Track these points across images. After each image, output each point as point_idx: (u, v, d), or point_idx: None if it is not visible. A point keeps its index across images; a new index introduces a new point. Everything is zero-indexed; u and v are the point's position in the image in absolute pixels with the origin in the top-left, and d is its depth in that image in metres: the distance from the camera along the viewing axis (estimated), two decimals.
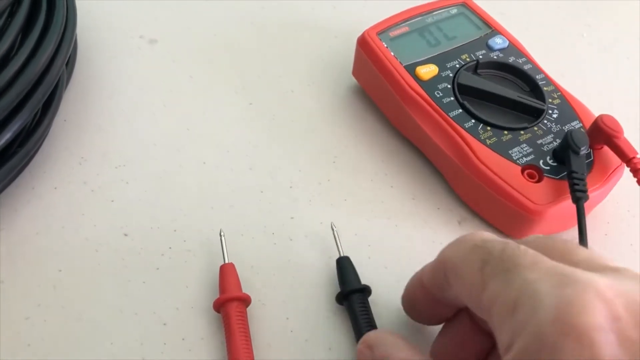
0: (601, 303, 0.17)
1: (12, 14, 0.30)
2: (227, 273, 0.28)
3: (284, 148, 0.35)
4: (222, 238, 0.29)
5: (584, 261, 0.20)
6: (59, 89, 0.33)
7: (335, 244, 0.29)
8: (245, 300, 0.27)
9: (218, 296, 0.27)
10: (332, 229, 0.30)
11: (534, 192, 0.29)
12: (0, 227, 0.30)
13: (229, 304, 0.27)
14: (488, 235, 0.22)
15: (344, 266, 0.28)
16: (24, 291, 0.28)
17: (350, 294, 0.27)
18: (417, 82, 0.33)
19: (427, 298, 0.25)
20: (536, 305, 0.18)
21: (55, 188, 0.32)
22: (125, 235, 0.30)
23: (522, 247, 0.20)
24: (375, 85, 0.35)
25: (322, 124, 0.36)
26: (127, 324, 0.27)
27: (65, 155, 0.33)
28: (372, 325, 0.27)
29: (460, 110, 0.32)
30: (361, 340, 0.25)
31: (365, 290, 0.28)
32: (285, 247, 0.30)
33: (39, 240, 0.30)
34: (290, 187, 0.33)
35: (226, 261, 0.28)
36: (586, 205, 0.29)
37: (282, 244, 0.31)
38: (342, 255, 0.29)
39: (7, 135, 0.29)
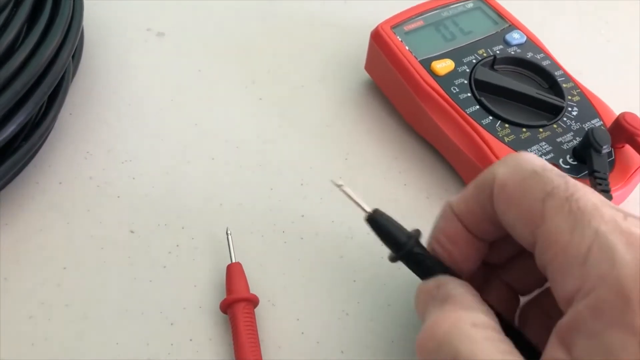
0: None
1: (17, 4, 0.30)
2: (234, 273, 0.27)
3: (294, 144, 0.34)
4: (229, 237, 0.28)
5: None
6: (64, 81, 0.32)
7: (355, 201, 0.25)
8: (253, 301, 0.26)
9: (225, 297, 0.26)
10: (343, 189, 0.25)
11: None
12: (4, 222, 0.29)
13: (236, 305, 0.26)
14: (544, 162, 0.21)
15: (382, 222, 0.24)
16: (28, 289, 0.27)
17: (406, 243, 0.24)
18: (433, 78, 0.32)
19: (460, 232, 0.23)
20: (615, 260, 0.18)
21: (60, 183, 0.31)
22: (132, 232, 0.29)
23: (582, 188, 0.20)
24: (389, 80, 0.34)
25: (333, 120, 0.35)
26: (134, 324, 0.27)
27: (71, 150, 0.32)
28: (442, 267, 0.23)
29: (478, 107, 0.31)
30: (431, 280, 0.23)
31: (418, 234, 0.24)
32: (295, 246, 0.29)
33: (44, 236, 0.29)
34: (301, 184, 0.32)
35: (233, 260, 0.28)
36: None
37: (293, 242, 0.30)
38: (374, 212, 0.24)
39: (12, 127, 0.28)
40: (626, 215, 0.20)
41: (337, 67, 0.38)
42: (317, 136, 0.34)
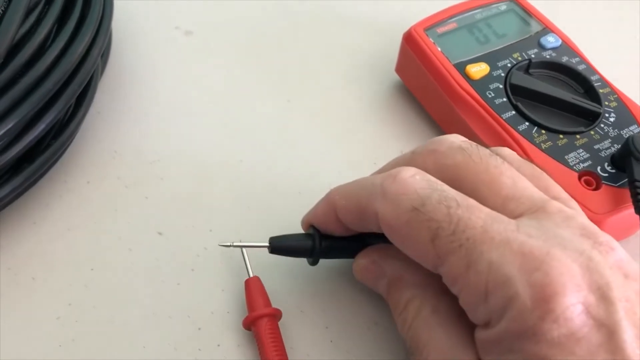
0: (568, 281, 0.18)
1: (48, 3, 0.29)
2: (253, 289, 0.26)
3: (322, 148, 0.33)
4: (244, 251, 0.27)
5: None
6: (94, 80, 0.32)
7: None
8: (276, 316, 0.26)
9: (247, 314, 0.26)
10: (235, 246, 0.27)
11: (592, 201, 0.27)
12: (32, 221, 0.29)
13: (259, 321, 0.25)
14: (422, 186, 0.21)
15: (283, 244, 0.26)
16: (56, 289, 0.27)
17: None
18: (468, 82, 0.31)
19: (346, 230, 0.25)
20: (511, 295, 0.19)
21: (88, 182, 0.31)
22: (160, 234, 0.29)
23: (467, 211, 0.20)
24: (421, 83, 0.33)
25: (362, 124, 0.35)
26: (161, 327, 0.26)
27: (99, 149, 0.32)
28: (365, 240, 0.26)
29: (514, 112, 0.30)
30: (362, 255, 0.25)
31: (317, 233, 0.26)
32: None
33: (71, 236, 0.29)
34: (329, 188, 0.31)
35: (250, 275, 0.27)
36: None
37: None
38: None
39: (42, 126, 0.28)
40: (520, 220, 0.20)
41: (367, 68, 0.37)
42: (345, 140, 0.34)
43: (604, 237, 0.20)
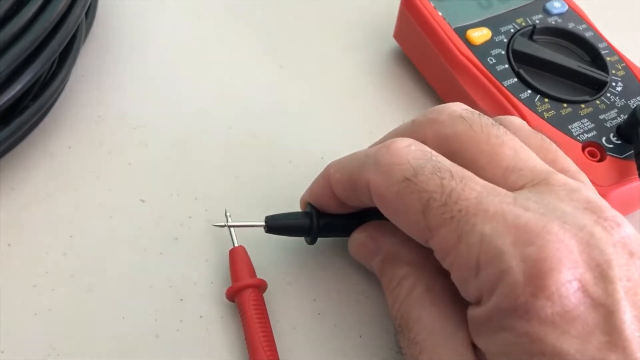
0: (564, 256, 0.17)
1: None
2: (237, 258, 0.25)
3: (316, 116, 0.32)
4: (229, 219, 0.26)
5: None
6: (76, 40, 0.31)
7: None
8: (260, 286, 0.25)
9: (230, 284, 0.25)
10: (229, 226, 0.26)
11: (596, 172, 0.26)
12: (10, 186, 0.28)
13: (242, 292, 0.24)
14: (416, 155, 0.20)
15: (279, 223, 0.25)
16: (32, 256, 0.26)
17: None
18: (468, 47, 0.30)
19: (342, 206, 0.24)
20: (503, 269, 0.18)
21: (70, 147, 0.29)
22: (143, 201, 0.28)
23: (460, 182, 0.19)
24: (419, 49, 0.32)
25: (358, 92, 0.33)
26: (141, 298, 0.25)
27: (81, 113, 0.31)
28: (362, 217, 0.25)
29: (516, 80, 0.29)
30: (358, 230, 0.24)
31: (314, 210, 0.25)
32: None
33: (50, 202, 0.27)
34: (322, 158, 0.30)
35: (235, 245, 0.25)
36: None
37: None
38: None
39: (19, 86, 0.26)
40: (519, 192, 0.19)
41: (364, 34, 0.36)
42: (340, 108, 0.32)
43: (611, 212, 0.19)
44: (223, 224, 0.26)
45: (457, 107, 0.22)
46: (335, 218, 0.25)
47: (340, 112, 0.32)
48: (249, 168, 0.29)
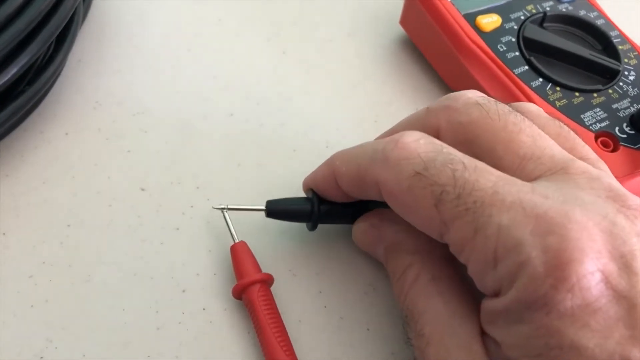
0: (587, 246, 0.17)
1: None
2: (239, 255, 0.24)
3: (320, 103, 0.31)
4: (226, 214, 0.25)
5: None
6: (73, 24, 0.29)
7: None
8: (267, 281, 0.24)
9: (235, 282, 0.24)
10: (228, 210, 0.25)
11: (609, 163, 0.25)
12: (4, 173, 0.27)
13: (250, 289, 0.23)
14: (426, 148, 0.19)
15: (280, 208, 0.25)
16: (28, 246, 0.25)
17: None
18: (478, 34, 0.29)
19: (345, 197, 0.23)
20: (522, 260, 0.17)
21: (67, 134, 0.29)
22: (143, 189, 0.27)
23: (474, 173, 0.18)
24: (427, 35, 0.31)
25: (363, 79, 0.32)
26: (142, 289, 0.24)
27: (79, 99, 0.30)
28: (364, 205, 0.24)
29: (527, 67, 0.28)
30: (361, 219, 0.24)
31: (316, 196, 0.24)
32: None
33: (47, 190, 0.27)
34: (327, 147, 0.30)
35: (235, 240, 0.24)
36: None
37: None
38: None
39: (14, 70, 0.25)
40: (537, 181, 0.18)
41: (369, 20, 0.35)
42: (344, 96, 0.32)
43: (634, 200, 0.18)
44: (223, 206, 0.25)
45: (473, 94, 0.21)
46: (337, 205, 0.24)
47: (344, 99, 0.31)
48: (251, 156, 0.29)
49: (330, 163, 0.23)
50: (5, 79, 0.25)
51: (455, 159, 0.19)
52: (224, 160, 0.28)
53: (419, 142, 0.20)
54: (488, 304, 0.19)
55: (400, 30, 0.33)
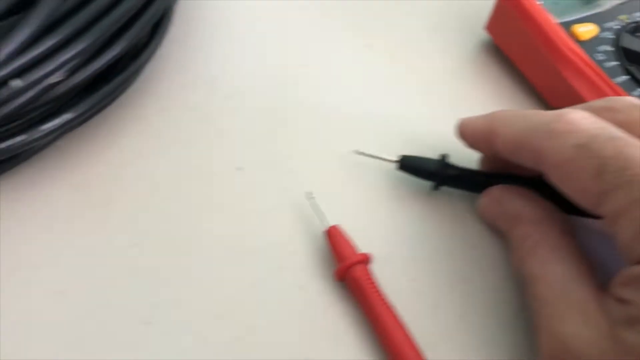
0: None
1: None
2: (336, 237, 0.24)
3: (399, 98, 0.31)
4: (315, 201, 0.26)
5: None
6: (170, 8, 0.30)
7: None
8: (366, 261, 0.24)
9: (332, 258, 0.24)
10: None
11: None
12: (105, 145, 0.27)
13: (354, 269, 0.23)
14: (589, 125, 0.20)
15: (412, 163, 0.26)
16: (127, 217, 0.26)
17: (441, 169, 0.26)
18: (575, 42, 0.29)
19: (491, 152, 0.25)
20: None
21: (162, 111, 0.29)
22: (238, 169, 0.27)
23: (635, 145, 0.19)
24: (518, 43, 0.31)
25: (445, 79, 0.32)
26: (240, 265, 0.25)
27: (174, 79, 0.30)
28: (488, 178, 0.26)
29: (627, 77, 0.28)
30: (484, 194, 0.25)
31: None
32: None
33: (143, 163, 0.27)
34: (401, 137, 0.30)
35: (327, 225, 0.25)
36: None
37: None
38: None
39: (123, 44, 0.26)
40: None
41: (455, 21, 0.35)
42: (424, 92, 0.32)
43: None
44: (362, 151, 0.27)
45: (634, 99, 0.22)
46: (464, 172, 0.26)
47: (424, 96, 0.31)
48: (339, 143, 0.29)
49: (490, 121, 0.24)
50: (115, 52, 0.26)
51: (618, 135, 0.20)
52: (315, 147, 0.29)
53: (584, 118, 0.21)
54: (632, 270, 0.19)
55: (484, 35, 0.34)
